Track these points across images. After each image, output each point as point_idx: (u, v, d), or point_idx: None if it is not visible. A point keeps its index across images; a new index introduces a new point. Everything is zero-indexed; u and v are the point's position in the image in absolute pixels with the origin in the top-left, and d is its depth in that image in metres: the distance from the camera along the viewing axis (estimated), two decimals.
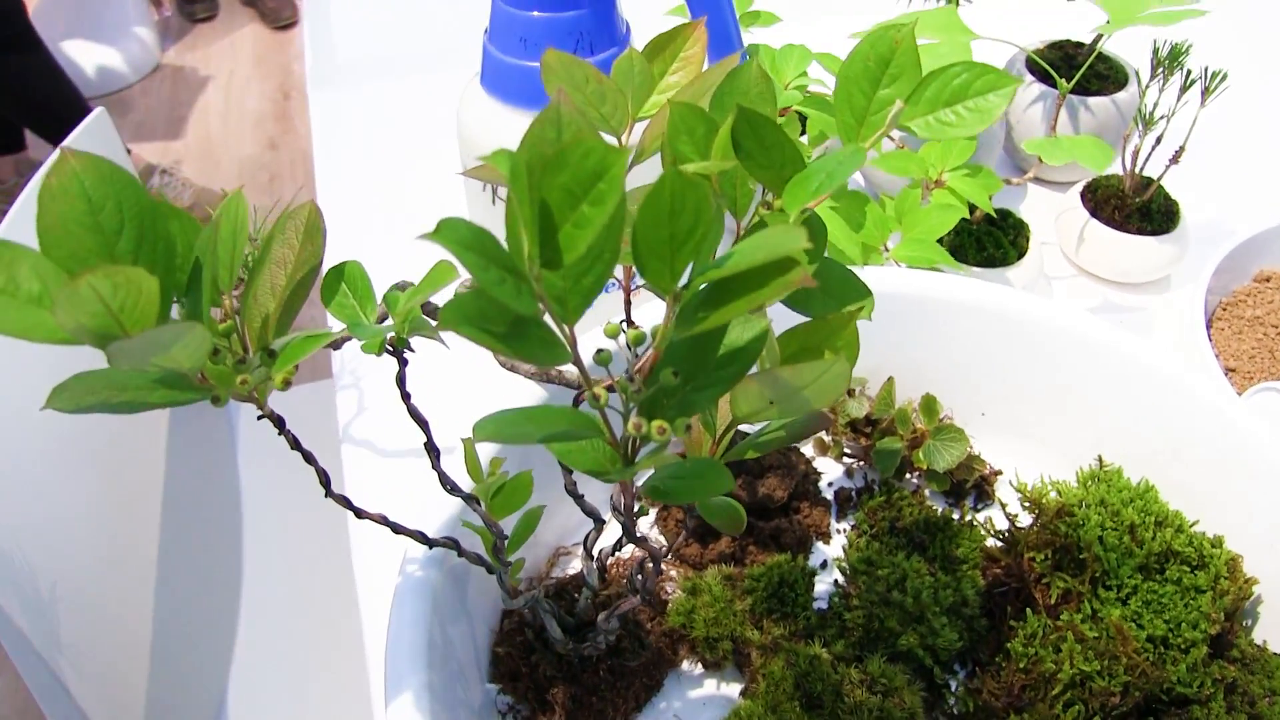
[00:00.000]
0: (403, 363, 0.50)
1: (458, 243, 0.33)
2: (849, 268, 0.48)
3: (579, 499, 0.61)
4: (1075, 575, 0.68)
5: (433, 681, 0.59)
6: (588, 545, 0.65)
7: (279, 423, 0.52)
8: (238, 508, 1.32)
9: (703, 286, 0.39)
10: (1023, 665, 0.65)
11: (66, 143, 1.09)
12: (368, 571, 0.80)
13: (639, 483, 0.46)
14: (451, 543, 0.60)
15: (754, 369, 0.45)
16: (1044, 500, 0.73)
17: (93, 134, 1.18)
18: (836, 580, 0.74)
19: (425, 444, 0.52)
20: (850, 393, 0.82)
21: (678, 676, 0.71)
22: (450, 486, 0.53)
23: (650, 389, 0.41)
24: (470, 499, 0.55)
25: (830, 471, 0.82)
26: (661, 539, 0.79)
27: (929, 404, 0.77)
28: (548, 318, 0.38)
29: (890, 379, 0.80)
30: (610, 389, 0.41)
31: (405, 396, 0.51)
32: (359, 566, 0.80)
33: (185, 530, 1.21)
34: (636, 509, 0.50)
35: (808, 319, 0.47)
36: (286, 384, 0.48)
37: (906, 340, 0.80)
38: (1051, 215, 1.02)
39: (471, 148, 0.83)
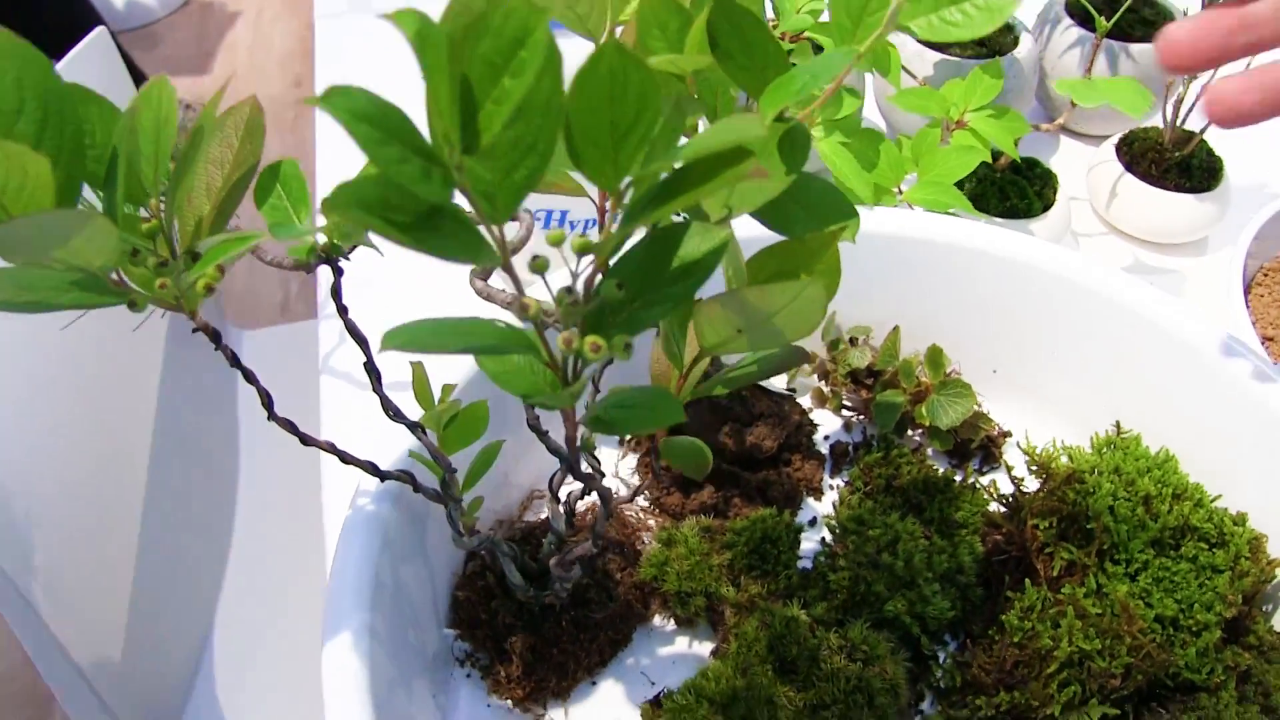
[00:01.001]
0: (338, 272, 0.46)
1: (349, 112, 0.29)
2: (835, 187, 0.43)
3: (543, 435, 0.57)
4: (1081, 546, 0.63)
5: (375, 624, 0.55)
6: (553, 487, 0.61)
7: (214, 336, 0.47)
8: (233, 437, 1.28)
9: (656, 185, 0.34)
10: (1017, 640, 0.60)
11: (63, 63, 1.05)
12: (337, 505, 0.76)
13: (581, 412, 0.42)
14: (406, 476, 0.56)
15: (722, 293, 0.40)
16: (1053, 465, 0.68)
17: (93, 53, 1.14)
18: (824, 539, 0.69)
19: (365, 364, 0.47)
20: (853, 341, 0.77)
21: (648, 632, 0.67)
22: (393, 413, 0.49)
23: (592, 303, 0.36)
24: (416, 428, 0.51)
25: (827, 424, 0.77)
26: (632, 483, 0.74)
27: (935, 356, 0.72)
28: (478, 221, 0.34)
29: (896, 328, 0.75)
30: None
31: (342, 311, 0.46)
32: (328, 499, 0.76)
33: (175, 457, 1.17)
34: (580, 441, 0.45)
35: (786, 239, 0.42)
36: (209, 290, 0.44)
37: (916, 288, 0.75)
38: (1084, 168, 0.96)
39: None
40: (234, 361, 0.49)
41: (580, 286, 0.37)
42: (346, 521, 0.59)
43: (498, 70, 0.30)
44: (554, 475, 0.61)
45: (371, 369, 0.47)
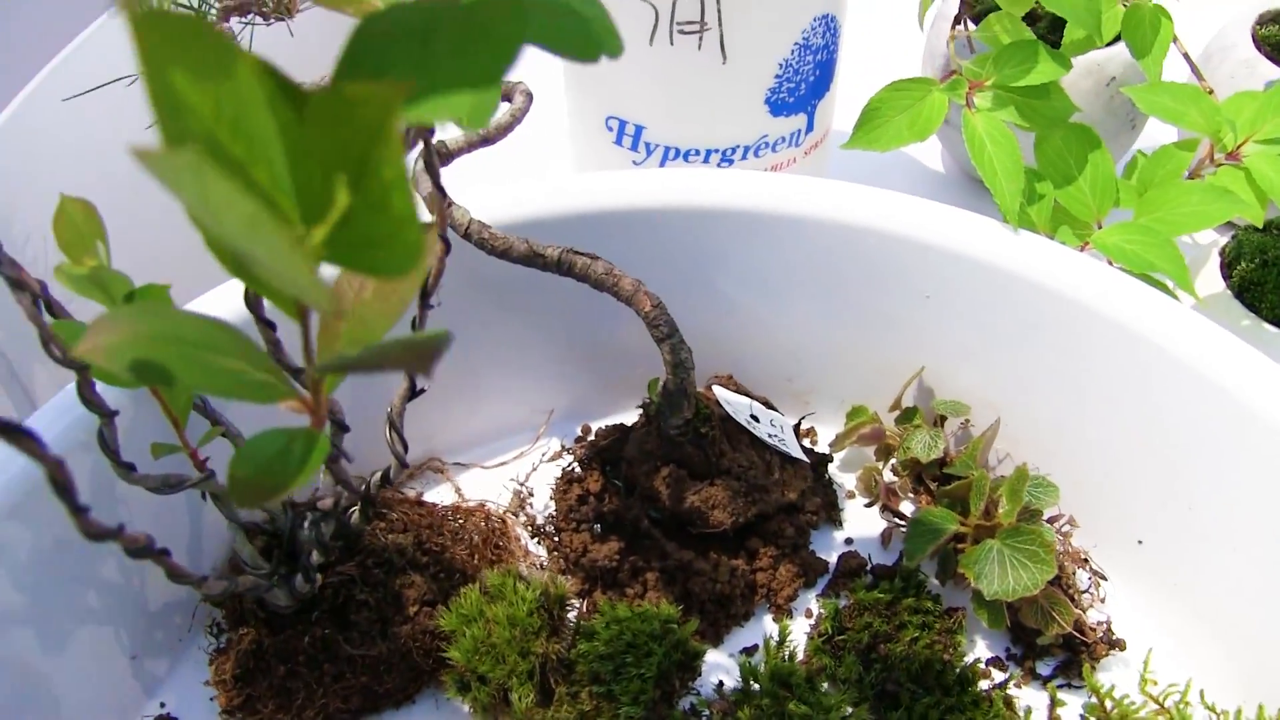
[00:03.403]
0: None
1: None
2: None
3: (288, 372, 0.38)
4: None
5: (3, 534, 0.39)
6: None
7: None
8: None
9: None
10: None
11: None
12: None
13: None
14: None
15: None
16: None
17: None
18: (721, 684, 0.45)
19: None
20: (939, 421, 0.51)
21: (440, 701, 0.46)
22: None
23: None
24: (19, 287, 0.33)
25: (861, 524, 0.52)
26: (538, 503, 0.53)
27: (1017, 484, 0.45)
28: None
29: (996, 422, 0.48)
30: None
31: None
32: None
33: None
34: None
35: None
36: None
37: (1056, 373, 0.48)
38: None
39: None
40: None
41: None
42: (54, 400, 0.43)
43: None
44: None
45: None
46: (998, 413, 0.49)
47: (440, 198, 0.40)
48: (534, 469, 0.54)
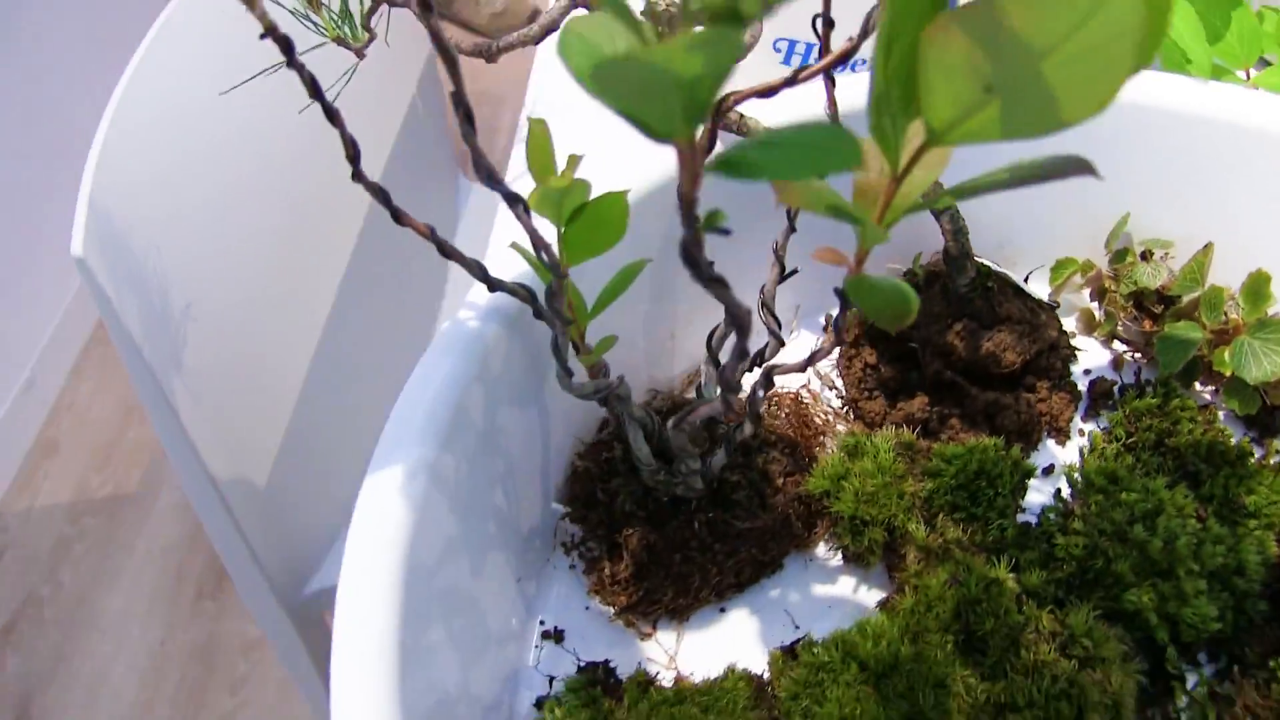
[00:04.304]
0: None
1: None
2: None
3: (696, 268, 0.43)
4: None
5: (443, 465, 0.43)
6: (711, 345, 0.47)
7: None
8: (434, 305, 1.18)
9: None
10: None
11: None
12: None
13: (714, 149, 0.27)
14: (521, 289, 0.44)
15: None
16: None
17: None
18: (1059, 491, 0.52)
19: (452, 94, 0.34)
20: (1145, 256, 0.59)
21: (806, 561, 0.52)
22: (487, 173, 0.36)
23: None
24: (515, 201, 0.38)
25: (1091, 355, 0.60)
26: (838, 384, 0.59)
27: (1257, 285, 0.54)
28: None
29: (1208, 245, 0.57)
30: None
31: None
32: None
33: (363, 307, 1.09)
34: (697, 203, 0.29)
35: None
36: None
37: (1246, 199, 0.56)
38: None
39: None
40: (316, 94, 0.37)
41: None
42: (438, 337, 0.47)
43: None
44: (714, 330, 0.48)
45: (458, 99, 0.34)
46: (1208, 239, 0.57)
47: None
48: (810, 356, 0.60)
